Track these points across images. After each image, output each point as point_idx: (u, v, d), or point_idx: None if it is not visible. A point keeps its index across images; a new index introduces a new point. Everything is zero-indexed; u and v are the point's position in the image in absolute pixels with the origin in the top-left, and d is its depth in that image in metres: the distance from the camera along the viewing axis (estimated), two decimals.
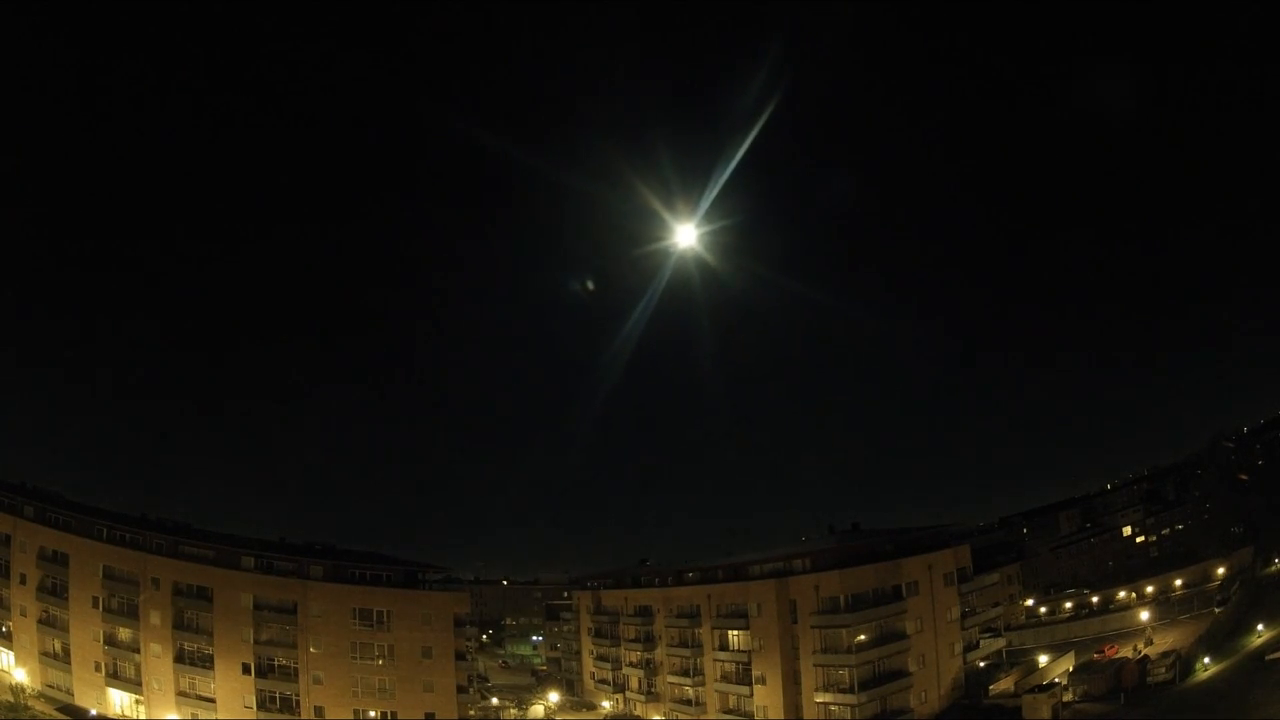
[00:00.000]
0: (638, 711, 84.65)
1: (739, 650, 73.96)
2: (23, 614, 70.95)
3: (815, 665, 67.58)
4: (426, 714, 68.20)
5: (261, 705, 67.31)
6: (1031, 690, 64.69)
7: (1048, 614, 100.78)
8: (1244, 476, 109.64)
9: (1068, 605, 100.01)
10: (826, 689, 66.65)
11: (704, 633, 78.03)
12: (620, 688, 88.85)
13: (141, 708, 68.19)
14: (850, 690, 64.62)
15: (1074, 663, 73.89)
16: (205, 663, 67.98)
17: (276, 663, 68.28)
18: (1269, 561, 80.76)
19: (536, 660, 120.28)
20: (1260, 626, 63.68)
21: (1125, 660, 67.66)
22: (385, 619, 69.64)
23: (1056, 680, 68.24)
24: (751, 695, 71.97)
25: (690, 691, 79.39)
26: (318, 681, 67.95)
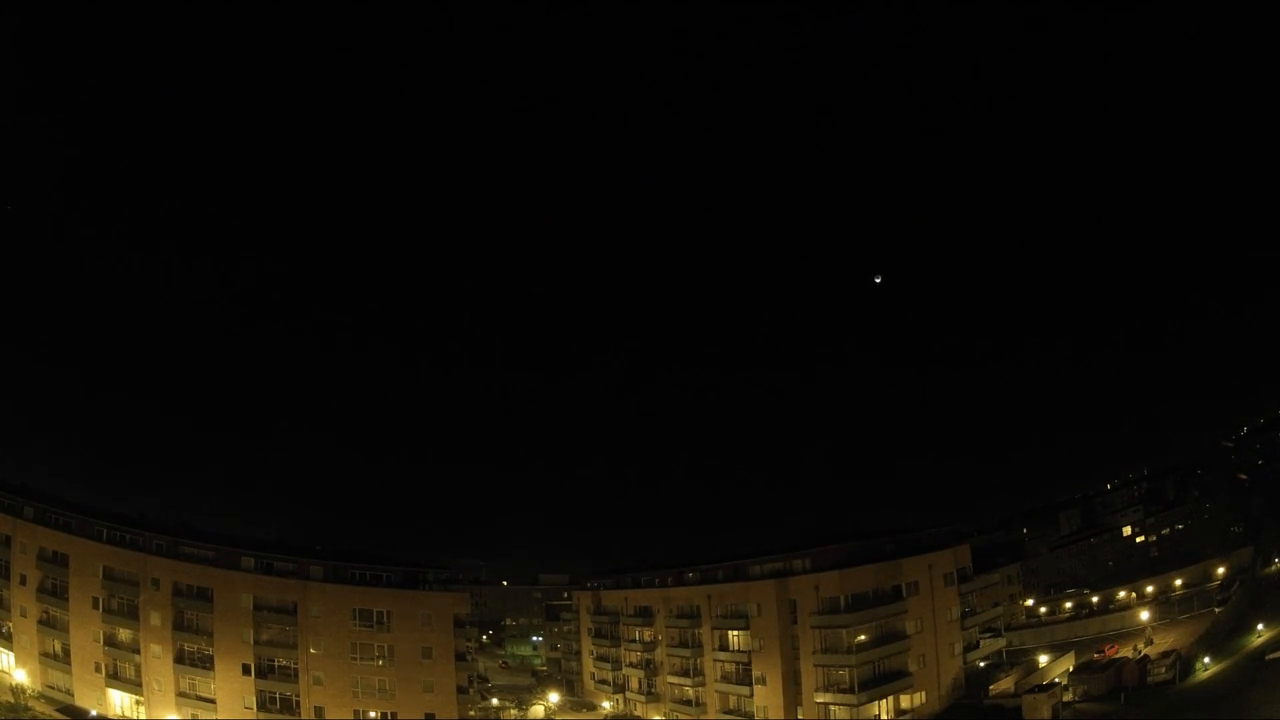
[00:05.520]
0: (638, 712, 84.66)
1: (739, 650, 73.97)
2: (23, 615, 70.93)
3: (815, 665, 67.61)
4: (426, 714, 68.21)
5: (262, 706, 67.34)
6: (1031, 690, 64.67)
7: (1048, 614, 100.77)
8: (1244, 476, 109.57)
9: (1068, 605, 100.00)
10: (826, 689, 66.69)
11: (704, 633, 78.06)
12: (620, 688, 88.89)
13: (142, 708, 68.20)
14: (850, 690, 64.66)
15: (1074, 663, 73.86)
16: (205, 663, 67.98)
17: (276, 663, 68.30)
18: (1269, 561, 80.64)
19: (537, 661, 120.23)
20: (1260, 626, 63.60)
21: (1125, 660, 67.64)
22: (385, 619, 69.67)
23: (1056, 680, 68.25)
24: (752, 695, 71.99)
25: (690, 692, 79.40)
26: (318, 682, 67.97)
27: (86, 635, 69.36)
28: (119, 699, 69.22)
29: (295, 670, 68.00)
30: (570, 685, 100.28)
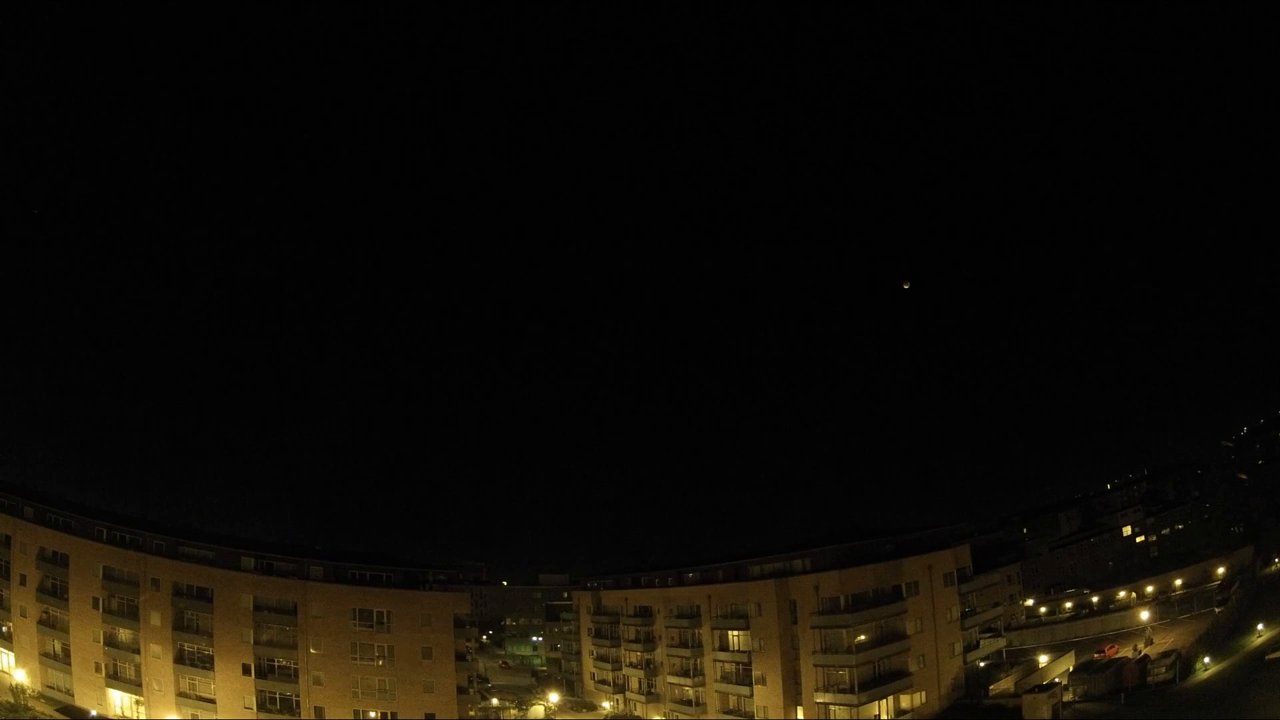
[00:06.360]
0: (638, 712, 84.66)
1: (739, 650, 73.99)
2: (23, 615, 70.95)
3: (815, 665, 67.62)
4: (426, 714, 68.19)
5: (262, 706, 67.33)
6: (1031, 690, 64.71)
7: (1048, 614, 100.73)
8: (1244, 476, 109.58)
9: (1068, 605, 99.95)
10: (826, 689, 66.70)
11: (704, 633, 78.06)
12: (620, 688, 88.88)
13: (142, 708, 68.20)
14: (850, 690, 64.67)
15: (1074, 663, 73.87)
16: (205, 663, 68.00)
17: (277, 663, 68.30)
18: (1269, 561, 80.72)
19: (537, 661, 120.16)
20: (1260, 626, 63.68)
21: (1125, 660, 67.68)
22: (385, 620, 69.66)
23: (1056, 680, 68.25)
24: (751, 695, 72.01)
25: (690, 692, 79.41)
26: (318, 682, 67.96)
27: (86, 635, 69.35)
28: (119, 699, 69.21)
29: (295, 670, 67.98)
30: (570, 685, 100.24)
